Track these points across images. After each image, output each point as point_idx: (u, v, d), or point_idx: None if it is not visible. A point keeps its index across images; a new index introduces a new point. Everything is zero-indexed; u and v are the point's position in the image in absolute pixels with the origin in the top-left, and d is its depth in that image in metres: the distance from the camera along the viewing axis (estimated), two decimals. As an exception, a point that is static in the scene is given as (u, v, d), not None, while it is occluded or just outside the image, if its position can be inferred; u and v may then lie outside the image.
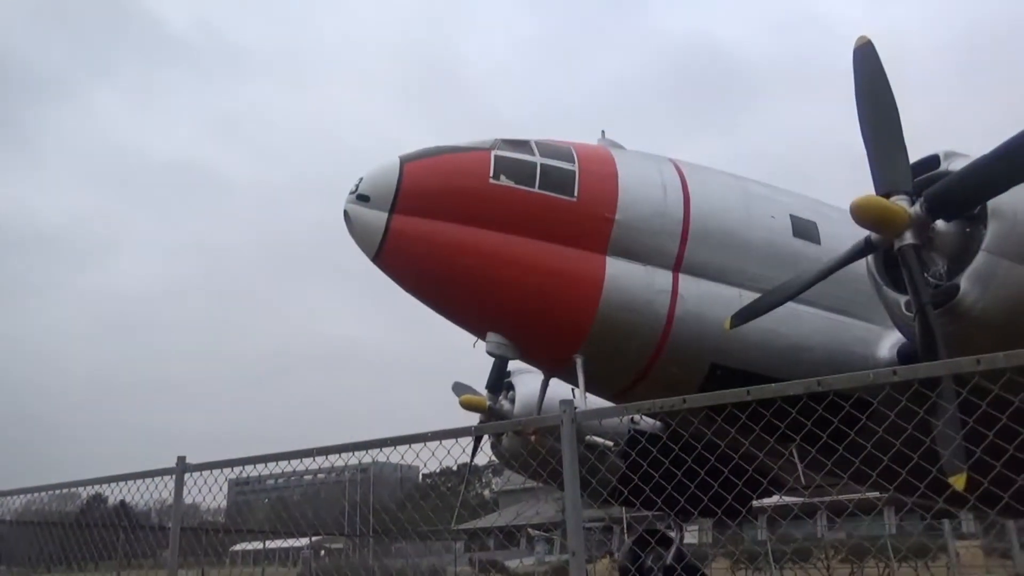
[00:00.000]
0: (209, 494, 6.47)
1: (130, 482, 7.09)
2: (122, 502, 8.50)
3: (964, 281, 5.32)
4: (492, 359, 8.89)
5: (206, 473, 6.42)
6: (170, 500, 6.63)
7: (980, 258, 5.29)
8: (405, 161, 7.48)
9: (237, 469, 6.63)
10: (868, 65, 6.13)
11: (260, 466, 6.28)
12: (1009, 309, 5.26)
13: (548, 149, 7.74)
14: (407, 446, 4.70)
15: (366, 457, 5.97)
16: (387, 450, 5.25)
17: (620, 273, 7.49)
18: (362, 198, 7.36)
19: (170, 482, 6.60)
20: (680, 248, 7.69)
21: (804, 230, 8.13)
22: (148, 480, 6.91)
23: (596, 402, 7.99)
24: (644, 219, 7.61)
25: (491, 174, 7.41)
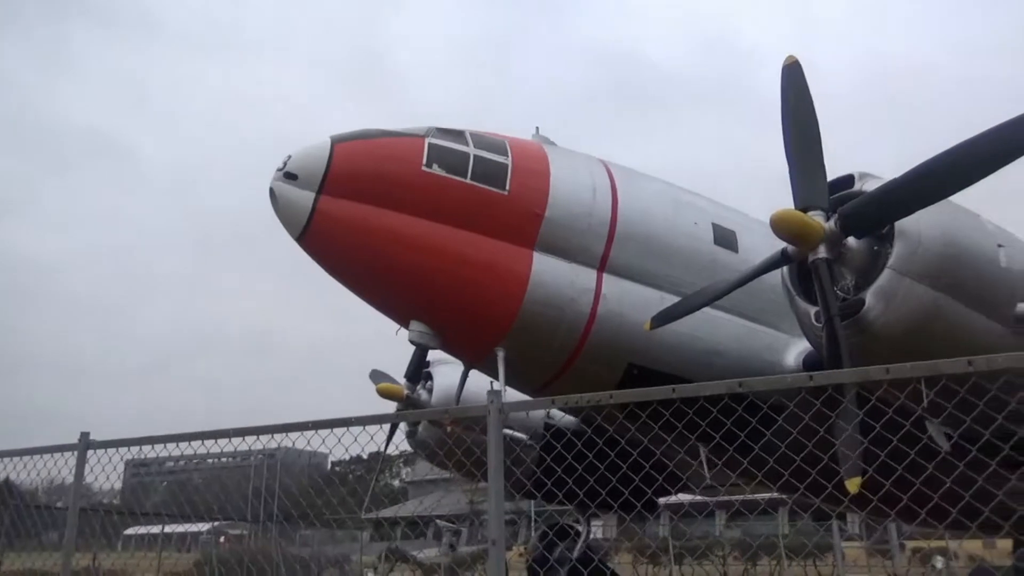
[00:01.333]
0: (103, 474, 6.20)
1: (15, 459, 6.70)
2: (7, 480, 8.01)
3: (869, 296, 5.62)
4: (413, 348, 8.86)
5: (101, 452, 6.13)
6: (60, 479, 6.29)
7: (885, 275, 5.59)
8: (336, 142, 7.32)
9: (135, 449, 6.34)
10: (794, 84, 6.38)
11: (160, 447, 6.02)
12: (908, 324, 5.59)
13: (483, 141, 7.73)
14: (329, 430, 4.61)
15: (272, 442, 5.84)
16: (294, 436, 5.15)
17: (546, 269, 7.55)
18: (290, 176, 7.17)
19: (62, 460, 6.28)
20: (606, 248, 7.82)
21: (724, 238, 8.40)
22: (37, 457, 6.55)
23: (514, 396, 8.04)
24: (573, 217, 7.71)
25: (423, 162, 7.34)
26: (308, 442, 5.21)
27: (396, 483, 76.84)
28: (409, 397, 11.10)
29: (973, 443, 6.12)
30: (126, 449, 6.10)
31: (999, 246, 5.77)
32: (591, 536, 11.98)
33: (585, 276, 7.74)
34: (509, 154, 7.70)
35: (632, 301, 7.82)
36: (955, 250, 5.64)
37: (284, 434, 5.27)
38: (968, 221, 5.85)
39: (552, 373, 7.97)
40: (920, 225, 5.57)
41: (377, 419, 4.59)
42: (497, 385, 7.64)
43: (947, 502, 5.63)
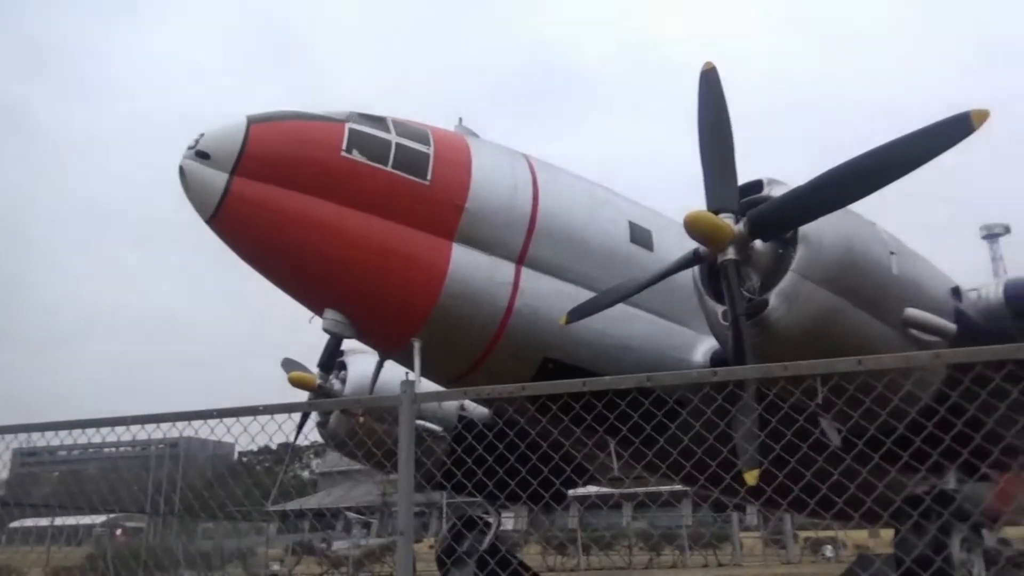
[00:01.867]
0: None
1: None
2: None
3: (773, 297, 5.87)
4: (327, 337, 8.69)
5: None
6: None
7: (788, 278, 5.85)
8: (252, 122, 7.09)
9: (23, 437, 5.97)
10: (711, 89, 6.58)
11: (51, 434, 5.69)
12: (807, 325, 5.87)
13: (405, 129, 7.64)
14: (235, 419, 4.46)
15: (173, 431, 5.61)
16: (197, 424, 4.97)
17: (465, 261, 7.55)
18: (201, 155, 6.90)
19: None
20: (525, 242, 7.87)
21: (640, 237, 8.59)
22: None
23: (429, 387, 8.01)
24: (493, 210, 7.72)
25: (343, 147, 7.20)
26: (212, 431, 5.04)
27: (306, 474, 75.40)
28: (321, 387, 10.88)
29: (861, 439, 6.51)
30: (13, 436, 5.73)
31: (891, 254, 6.12)
32: (500, 528, 12.08)
33: (504, 269, 7.78)
34: (431, 144, 7.64)
35: (549, 296, 7.90)
36: (852, 256, 5.95)
37: (187, 423, 5.07)
38: (865, 229, 6.18)
39: (468, 365, 7.98)
40: (822, 231, 5.85)
41: (285, 408, 4.47)
42: (412, 376, 7.60)
43: (835, 493, 5.98)
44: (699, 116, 6.58)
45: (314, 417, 11.21)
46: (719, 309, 6.24)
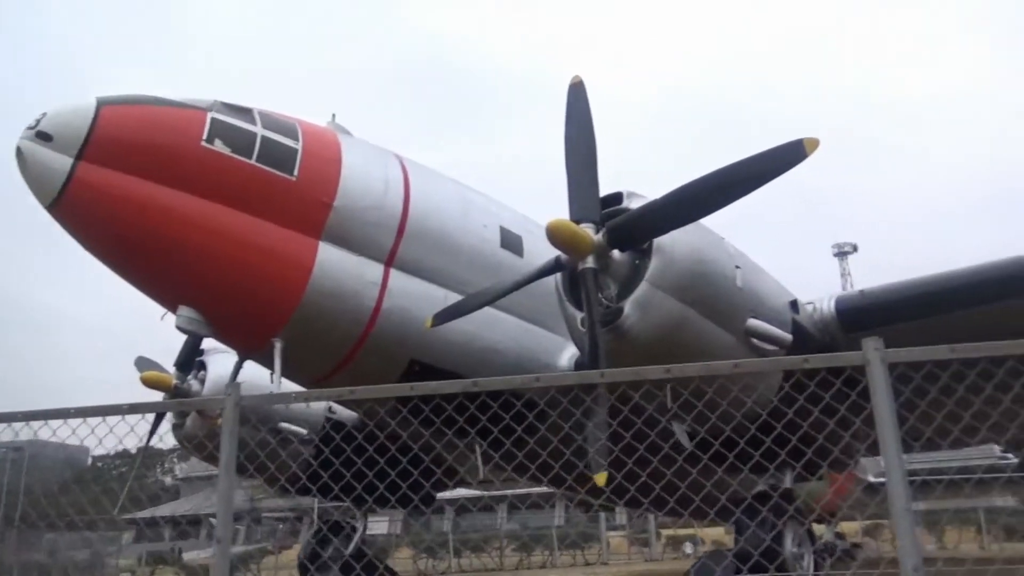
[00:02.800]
0: None
1: None
2: None
3: (628, 305, 6.13)
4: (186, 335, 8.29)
5: None
6: None
7: (642, 287, 6.12)
8: (103, 104, 6.66)
9: None
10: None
11: None
12: (658, 332, 6.16)
13: (272, 122, 7.41)
14: (81, 420, 4.14)
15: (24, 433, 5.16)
16: (36, 425, 4.59)
17: (331, 260, 7.40)
18: (43, 136, 6.41)
19: None
20: (395, 243, 7.82)
21: (511, 242, 8.73)
22: None
23: (290, 387, 7.80)
24: (362, 209, 7.62)
25: (204, 136, 6.89)
26: (54, 432, 4.68)
27: (168, 480, 71.27)
28: (178, 387, 10.38)
29: (704, 442, 6.90)
30: None
31: (736, 267, 6.54)
32: (369, 532, 11.91)
33: (372, 270, 7.69)
34: (300, 138, 7.45)
35: (418, 297, 7.88)
36: (702, 268, 6.31)
37: (25, 424, 4.67)
38: (714, 243, 6.57)
39: (332, 366, 7.83)
40: (674, 244, 6.16)
41: (96, 411, 4.15)
42: (274, 377, 7.37)
43: (685, 493, 6.31)
44: (566, 128, 6.77)
45: (170, 419, 10.68)
46: (578, 315, 6.44)
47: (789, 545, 7.19)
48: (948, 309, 7.37)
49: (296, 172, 7.26)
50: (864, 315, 7.44)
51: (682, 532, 23.72)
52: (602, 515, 24.69)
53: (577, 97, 6.82)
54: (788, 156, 5.40)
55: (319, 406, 10.56)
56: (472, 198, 8.79)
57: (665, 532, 25.80)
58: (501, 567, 22.64)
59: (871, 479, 16.70)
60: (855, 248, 67.61)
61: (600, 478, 5.52)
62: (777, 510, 7.04)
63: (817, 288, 7.91)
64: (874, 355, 3.20)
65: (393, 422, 8.47)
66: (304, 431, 10.63)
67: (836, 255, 67.69)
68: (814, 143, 5.28)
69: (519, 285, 6.99)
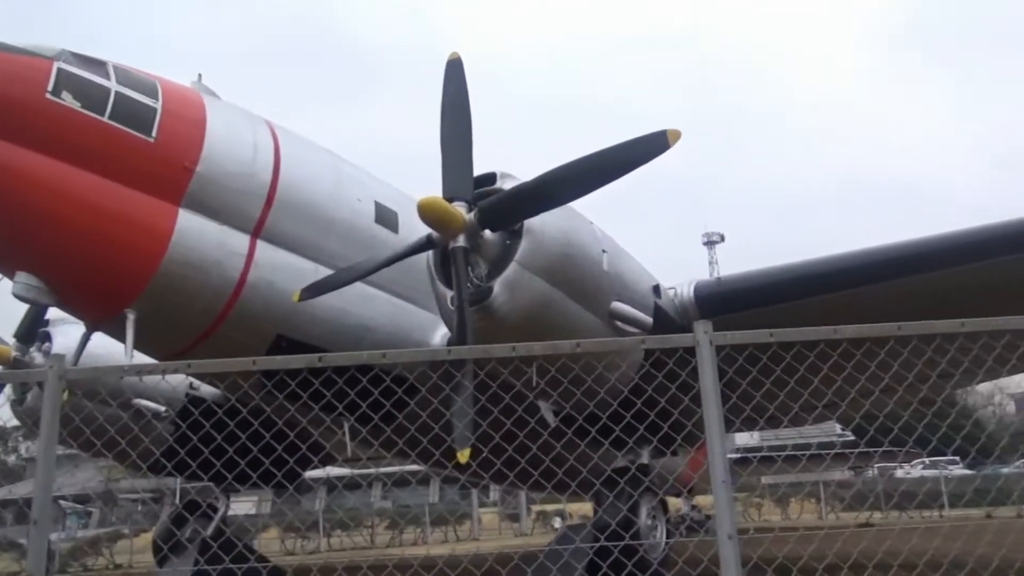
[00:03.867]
0: None
1: None
2: None
3: (497, 285, 6.20)
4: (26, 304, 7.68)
5: None
6: None
7: (511, 268, 6.21)
8: None
9: None
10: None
11: None
12: (527, 313, 6.28)
13: (129, 78, 6.90)
14: None
15: None
16: None
17: (192, 228, 7.03)
18: None
19: None
20: (263, 213, 7.51)
21: (386, 218, 8.59)
22: None
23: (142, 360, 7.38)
24: (228, 176, 7.26)
25: (49, 88, 6.32)
26: None
27: (12, 459, 65.91)
28: (18, 360, 9.60)
29: (568, 419, 7.14)
30: None
31: (604, 252, 6.75)
32: (235, 513, 11.52)
33: (237, 240, 7.36)
34: (160, 97, 6.99)
35: (286, 270, 7.62)
36: (570, 251, 6.47)
37: None
38: (583, 226, 6.75)
39: (191, 339, 7.46)
40: (544, 226, 6.28)
41: None
42: (126, 351, 6.95)
43: (550, 468, 6.49)
44: (442, 105, 6.72)
45: (7, 393, 9.87)
46: (448, 294, 6.45)
47: (644, 516, 7.57)
48: (795, 297, 7.96)
49: (155, 133, 6.82)
50: (720, 300, 7.90)
51: (551, 507, 24.47)
52: (474, 492, 25.05)
53: (454, 74, 6.77)
54: (652, 146, 5.61)
55: (177, 379, 10.06)
56: (346, 170, 8.57)
57: (535, 508, 26.52)
58: (372, 545, 22.52)
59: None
60: (722, 238, 71.67)
61: (463, 454, 5.58)
62: (633, 483, 7.40)
63: (691, 274, 8.42)
64: (703, 337, 3.42)
65: (257, 396, 8.20)
66: (161, 407, 10.12)
67: (705, 244, 71.47)
68: (676, 134, 5.51)
69: (390, 261, 6.92)
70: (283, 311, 7.56)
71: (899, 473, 30.08)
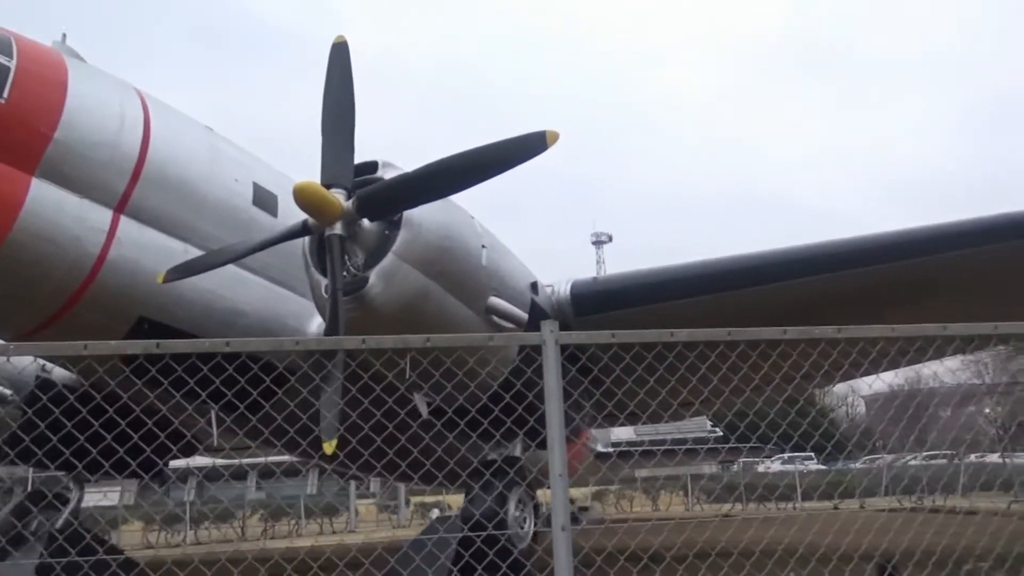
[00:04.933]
0: None
1: None
2: None
3: (373, 275, 6.14)
4: None
5: None
6: None
7: (388, 259, 6.17)
8: None
9: None
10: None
11: None
12: (402, 303, 6.25)
13: None
14: None
15: None
16: None
17: (46, 199, 6.57)
18: None
19: None
20: (128, 187, 7.12)
21: (264, 200, 8.32)
22: None
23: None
24: (90, 146, 6.83)
25: None
26: None
27: None
28: None
29: (440, 411, 7.17)
30: None
31: (483, 247, 6.82)
32: (95, 504, 10.83)
33: (98, 214, 6.94)
34: (15, 55, 6.48)
35: (152, 249, 7.26)
36: (449, 244, 6.49)
37: None
38: (463, 220, 6.79)
39: (42, 318, 6.98)
40: (423, 218, 6.27)
41: None
42: None
43: (422, 459, 6.49)
44: (325, 89, 6.58)
45: None
46: (323, 282, 6.33)
47: (512, 508, 7.71)
48: (666, 298, 8.32)
49: (6, 93, 6.32)
50: (594, 300, 8.16)
51: (430, 499, 24.48)
52: (352, 484, 24.71)
53: (338, 58, 6.64)
54: (531, 145, 5.70)
55: (25, 362, 9.37)
56: (224, 148, 8.23)
57: (415, 499, 26.44)
58: (243, 537, 21.78)
59: (600, 448, 18.47)
60: (610, 238, 73.85)
61: (329, 445, 5.51)
62: (502, 475, 7.52)
63: (580, 273, 8.68)
64: (549, 336, 3.54)
65: (113, 382, 7.76)
66: (7, 391, 9.40)
67: (594, 243, 73.38)
68: (555, 136, 5.63)
69: (264, 245, 6.72)
70: (147, 292, 7.20)
71: (760, 468, 32.02)
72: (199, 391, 6.57)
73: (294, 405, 6.27)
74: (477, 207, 7.17)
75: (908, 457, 24.78)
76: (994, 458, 24.52)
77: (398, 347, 4.09)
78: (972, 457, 25.11)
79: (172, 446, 9.21)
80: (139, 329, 7.39)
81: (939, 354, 8.71)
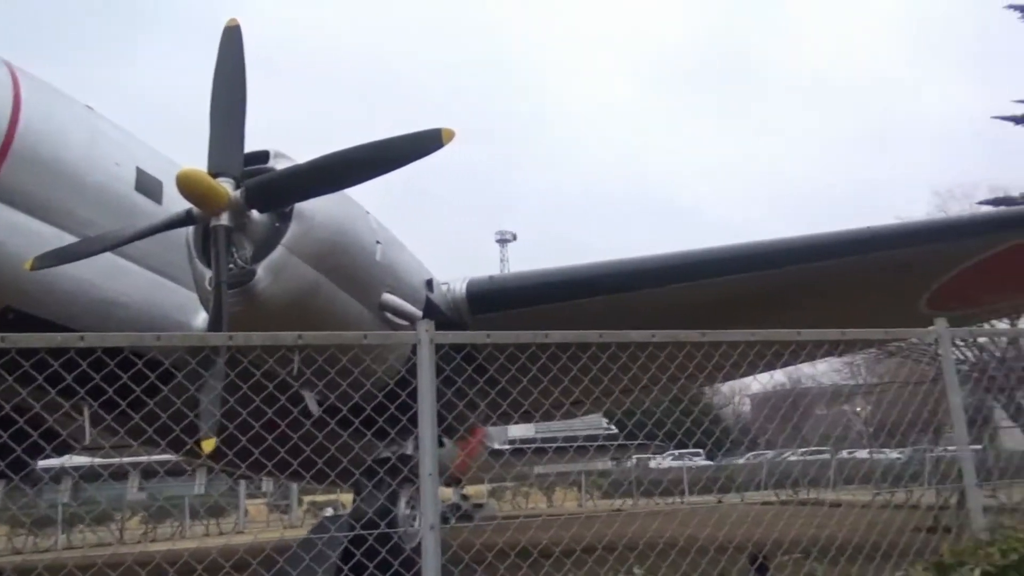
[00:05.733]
0: None
1: None
2: None
3: (261, 268, 5.95)
4: None
5: None
6: None
7: (277, 252, 5.99)
8: None
9: None
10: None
11: None
12: (291, 299, 6.09)
13: None
14: None
15: None
16: None
17: None
18: None
19: None
20: None
21: (148, 187, 7.92)
22: None
23: None
24: None
25: None
26: None
27: None
28: None
29: (333, 409, 7.04)
30: None
31: (377, 242, 6.74)
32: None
33: None
34: None
35: (19, 234, 6.78)
36: (342, 238, 6.38)
37: None
38: (357, 215, 6.68)
39: None
40: (316, 211, 6.13)
41: None
42: None
43: (312, 458, 6.35)
44: (215, 74, 6.33)
45: None
46: (207, 274, 6.09)
47: (403, 506, 7.67)
48: (560, 299, 8.48)
49: None
50: (490, 298, 8.22)
51: (323, 498, 23.98)
52: (242, 483, 23.89)
53: (230, 41, 6.40)
54: (426, 142, 5.67)
55: None
56: (105, 129, 7.78)
57: (307, 499, 25.81)
58: (121, 541, 20.66)
59: (495, 446, 18.65)
60: (515, 236, 74.47)
61: (208, 443, 5.31)
62: (395, 473, 7.46)
63: (490, 271, 8.71)
64: (424, 335, 3.57)
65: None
66: None
67: (498, 242, 73.82)
68: (450, 134, 5.62)
69: (145, 233, 6.40)
70: (13, 280, 6.72)
71: (652, 464, 33.16)
72: (77, 388, 6.24)
73: (180, 403, 6.01)
74: (381, 203, 7.09)
75: (787, 453, 26.28)
76: (863, 454, 26.32)
77: (267, 344, 3.96)
78: (844, 453, 26.86)
79: (45, 444, 8.64)
80: (4, 320, 6.89)
81: (811, 357, 9.29)
